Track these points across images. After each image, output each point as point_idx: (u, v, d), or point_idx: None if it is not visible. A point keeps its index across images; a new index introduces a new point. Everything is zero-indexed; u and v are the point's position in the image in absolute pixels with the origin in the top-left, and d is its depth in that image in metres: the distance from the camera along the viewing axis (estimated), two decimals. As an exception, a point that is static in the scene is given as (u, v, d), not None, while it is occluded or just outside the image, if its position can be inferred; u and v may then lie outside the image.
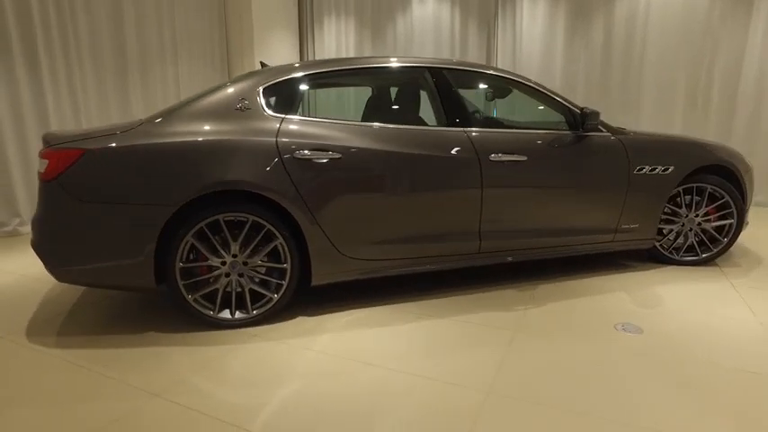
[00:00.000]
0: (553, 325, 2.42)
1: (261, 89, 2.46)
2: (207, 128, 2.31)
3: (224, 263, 2.34)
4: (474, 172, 2.62)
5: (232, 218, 2.31)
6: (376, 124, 2.56)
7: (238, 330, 2.37)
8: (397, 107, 2.93)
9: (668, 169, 3.04)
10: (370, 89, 3.04)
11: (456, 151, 2.60)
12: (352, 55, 6.98)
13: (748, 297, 2.76)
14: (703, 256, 3.28)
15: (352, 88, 3.03)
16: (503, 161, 2.67)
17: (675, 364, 2.05)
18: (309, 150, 2.36)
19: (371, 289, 2.85)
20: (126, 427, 1.66)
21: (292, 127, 2.40)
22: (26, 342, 2.28)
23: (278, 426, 1.66)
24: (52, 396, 1.84)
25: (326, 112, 2.82)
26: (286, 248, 2.39)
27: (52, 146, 2.22)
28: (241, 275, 2.38)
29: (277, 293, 2.43)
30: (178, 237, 2.23)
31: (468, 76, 2.92)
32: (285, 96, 2.50)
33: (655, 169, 3.02)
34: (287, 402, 1.80)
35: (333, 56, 7.09)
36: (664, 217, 3.22)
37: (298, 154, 2.34)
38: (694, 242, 3.29)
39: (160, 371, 2.02)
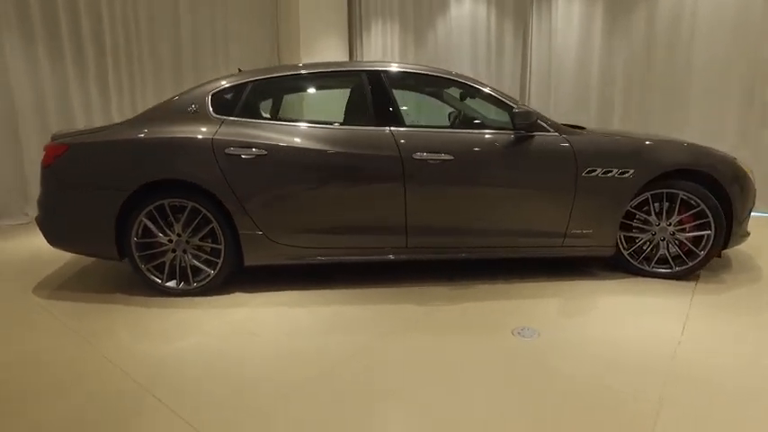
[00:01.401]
0: (454, 323, 2.49)
1: (211, 94, 2.87)
2: (160, 128, 2.78)
3: (170, 240, 2.80)
4: (396, 169, 2.76)
5: (177, 203, 2.75)
6: (304, 124, 2.84)
7: (180, 298, 2.81)
8: (332, 109, 3.15)
9: (626, 172, 2.86)
10: (318, 93, 3.30)
11: (378, 149, 2.77)
12: (396, 58, 7.23)
13: (696, 317, 2.52)
14: (677, 269, 3.01)
15: (312, 92, 3.30)
16: (426, 159, 2.77)
17: (543, 372, 2.03)
18: (238, 147, 2.72)
19: (320, 275, 3.10)
20: (45, 355, 2.16)
21: (229, 127, 2.77)
22: (28, 293, 2.95)
23: (158, 373, 2.04)
24: (12, 328, 2.43)
25: (283, 113, 3.11)
26: (219, 232, 2.77)
27: (52, 141, 2.85)
28: (185, 252, 2.82)
29: (213, 270, 2.82)
30: (132, 217, 2.73)
31: (406, 78, 3.05)
32: (231, 101, 2.89)
33: (609, 172, 2.86)
34: (179, 354, 2.17)
35: (380, 59, 7.42)
36: (636, 224, 3.02)
37: (228, 150, 2.71)
38: (667, 254, 3.03)
39: (99, 321, 2.52)
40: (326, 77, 3.00)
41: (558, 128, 2.92)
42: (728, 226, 2.95)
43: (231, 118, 2.82)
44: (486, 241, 2.93)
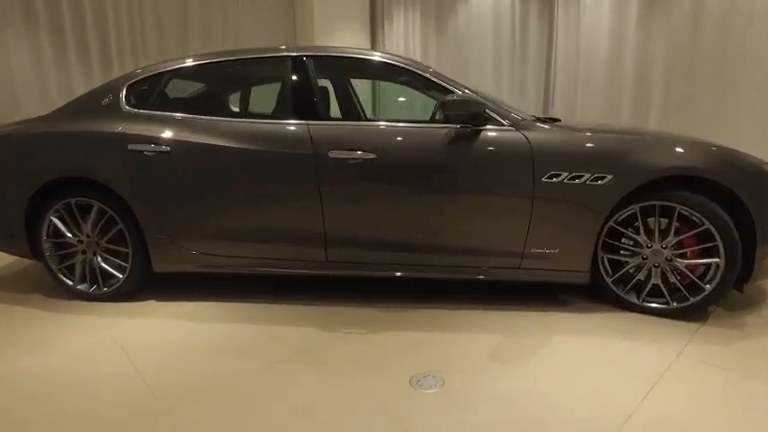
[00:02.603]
0: (349, 358, 2.06)
1: (126, 85, 2.65)
2: (72, 121, 2.61)
3: (80, 241, 2.63)
4: (309, 169, 2.36)
5: (84, 202, 2.57)
6: (216, 118, 2.52)
7: (86, 303, 2.62)
8: (259, 100, 2.80)
9: (603, 178, 2.23)
10: (242, 82, 2.95)
11: (289, 145, 2.38)
12: (418, 47, 6.75)
13: (676, 376, 1.87)
14: (674, 305, 2.31)
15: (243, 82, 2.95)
16: (344, 158, 2.34)
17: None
18: (141, 143, 2.47)
19: (251, 284, 2.77)
20: None
21: (138, 121, 2.54)
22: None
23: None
24: None
25: (200, 106, 2.75)
26: (126, 234, 2.55)
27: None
28: (95, 255, 2.63)
29: (122, 275, 2.61)
30: (41, 215, 2.59)
31: (335, 63, 2.62)
32: (146, 92, 2.65)
33: (579, 177, 2.25)
34: (22, 371, 1.97)
35: (401, 50, 6.98)
36: (624, 245, 2.37)
37: (131, 146, 2.47)
38: (661, 285, 2.34)
39: (3, 323, 2.41)
40: (249, 65, 2.66)
41: (514, 121, 2.35)
42: (750, 253, 2.21)
43: (142, 111, 2.59)
44: (419, 258, 2.44)
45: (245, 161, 2.41)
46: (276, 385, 1.84)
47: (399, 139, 2.36)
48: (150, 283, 2.72)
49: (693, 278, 2.28)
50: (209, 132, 2.46)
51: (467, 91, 2.39)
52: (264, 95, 2.71)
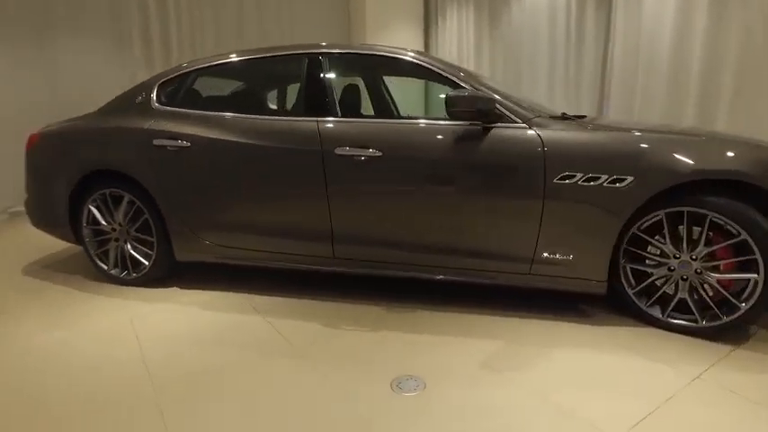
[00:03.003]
0: (339, 356, 2.05)
1: (158, 84, 2.82)
2: (110, 118, 2.82)
3: (114, 229, 2.83)
4: (317, 166, 2.38)
5: (117, 193, 2.77)
6: (233, 114, 2.60)
7: (117, 287, 2.83)
8: (269, 97, 2.84)
9: (623, 180, 2.05)
10: (261, 80, 2.99)
11: (299, 142, 2.41)
12: (471, 44, 6.59)
13: (683, 401, 1.69)
14: (704, 324, 2.08)
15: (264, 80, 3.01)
16: (350, 155, 2.33)
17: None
18: (165, 139, 2.61)
19: (268, 277, 2.84)
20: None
21: (165, 118, 2.68)
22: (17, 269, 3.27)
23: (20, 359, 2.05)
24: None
25: (222, 103, 2.84)
26: (152, 224, 2.71)
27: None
28: (125, 242, 2.83)
29: (148, 262, 2.78)
30: (82, 204, 2.82)
31: (350, 60, 2.61)
32: (175, 90, 2.79)
33: (596, 179, 2.08)
34: (43, 343, 2.17)
35: (454, 47, 6.85)
36: (651, 254, 2.17)
37: (156, 141, 2.62)
38: (689, 300, 2.11)
39: (37, 299, 2.66)
40: (267, 63, 2.71)
41: (526, 118, 2.22)
42: None
43: (170, 108, 2.73)
44: (425, 259, 2.37)
45: (258, 157, 2.48)
46: (263, 379, 1.88)
47: (407, 136, 2.31)
48: (177, 271, 2.87)
49: (726, 295, 2.03)
50: (226, 128, 2.56)
51: (479, 86, 2.30)
52: (283, 93, 2.76)
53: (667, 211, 2.07)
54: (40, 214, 3.01)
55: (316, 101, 2.49)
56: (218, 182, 2.57)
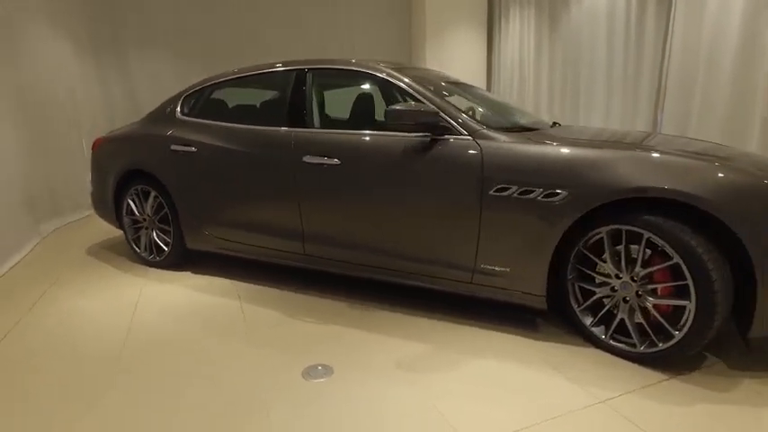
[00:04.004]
0: (278, 339, 2.30)
1: (183, 96, 3.30)
2: (148, 126, 3.36)
3: (144, 219, 3.37)
4: (289, 172, 2.64)
5: (147, 189, 3.30)
6: (228, 124, 2.97)
7: (144, 268, 3.37)
8: (261, 108, 3.12)
9: (557, 195, 2.02)
10: (261, 93, 3.27)
11: (276, 150, 2.69)
12: (532, 47, 6.42)
13: (582, 418, 1.66)
14: (641, 349, 1.97)
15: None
16: (315, 163, 2.56)
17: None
18: (179, 145, 3.06)
19: (261, 269, 3.19)
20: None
21: (183, 127, 3.14)
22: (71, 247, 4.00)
23: (28, 323, 2.62)
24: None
25: (228, 114, 3.19)
26: (170, 216, 3.20)
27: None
28: (152, 230, 3.35)
29: (167, 248, 3.28)
30: (121, 198, 3.41)
31: (330, 75, 2.81)
32: (194, 102, 3.24)
33: (530, 192, 2.07)
34: (65, 307, 2.72)
35: (516, 49, 6.71)
36: (599, 273, 2.11)
37: (173, 146, 3.09)
38: (627, 322, 2.01)
39: (83, 274, 3.28)
40: (264, 77, 3.01)
41: (472, 130, 2.26)
42: (751, 297, 1.77)
43: (188, 118, 3.19)
44: (381, 261, 2.51)
45: (246, 162, 2.81)
46: (200, 355, 2.19)
47: (361, 146, 2.48)
48: (195, 258, 3.33)
49: (661, 320, 1.91)
50: (222, 136, 2.93)
51: (437, 100, 2.37)
52: (273, 105, 3.05)
53: (608, 228, 1.99)
54: (98, 204, 3.67)
55: (295, 112, 2.76)
56: (215, 182, 2.96)
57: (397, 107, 2.24)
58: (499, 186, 2.13)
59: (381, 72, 2.58)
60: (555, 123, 3.05)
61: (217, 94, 3.23)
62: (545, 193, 2.04)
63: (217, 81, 3.19)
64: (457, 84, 3.07)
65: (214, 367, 2.07)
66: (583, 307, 2.14)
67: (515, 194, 2.10)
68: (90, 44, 5.58)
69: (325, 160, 2.53)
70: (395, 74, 2.55)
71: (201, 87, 3.25)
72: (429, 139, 2.31)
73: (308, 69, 2.81)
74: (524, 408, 1.73)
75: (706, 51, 4.25)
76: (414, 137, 2.35)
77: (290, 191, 2.67)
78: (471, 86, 3.22)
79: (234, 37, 6.32)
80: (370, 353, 2.15)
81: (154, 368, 2.07)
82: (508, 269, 2.19)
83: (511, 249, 2.16)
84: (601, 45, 5.36)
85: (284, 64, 2.95)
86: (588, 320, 2.14)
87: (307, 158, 2.59)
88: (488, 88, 7.30)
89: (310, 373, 2.00)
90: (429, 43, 6.75)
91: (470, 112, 2.86)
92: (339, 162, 2.50)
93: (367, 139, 2.49)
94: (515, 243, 2.14)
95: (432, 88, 2.48)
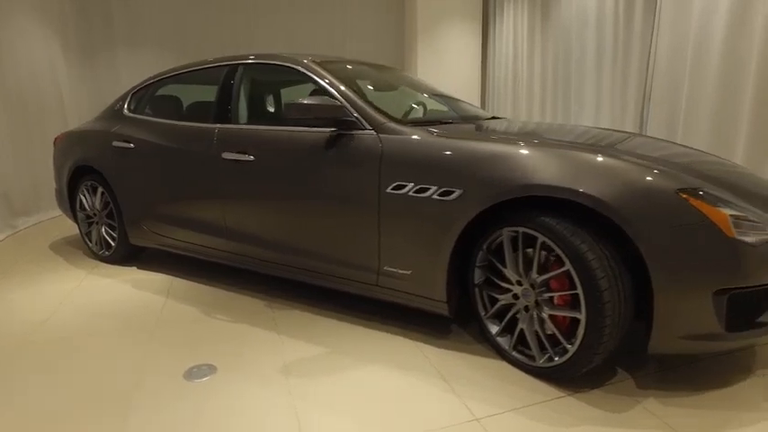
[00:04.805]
0: (178, 335, 2.25)
1: (131, 93, 3.30)
2: (97, 122, 3.38)
3: (94, 214, 3.40)
4: (212, 168, 2.59)
5: (95, 185, 3.32)
6: (162, 120, 2.94)
7: (95, 262, 3.40)
8: (196, 104, 3.06)
9: (451, 193, 1.88)
10: (200, 89, 3.20)
11: (201, 146, 2.64)
12: (525, 42, 6.18)
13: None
14: (540, 363, 1.81)
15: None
16: (233, 160, 2.49)
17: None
18: (120, 141, 3.07)
19: (202, 265, 3.18)
20: None
21: (126, 123, 3.14)
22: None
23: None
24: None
25: (166, 110, 3.12)
26: (115, 212, 3.21)
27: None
28: (101, 225, 3.38)
29: (114, 243, 3.29)
30: (75, 193, 3.45)
31: (256, 70, 2.73)
32: (140, 99, 3.24)
33: (425, 190, 1.94)
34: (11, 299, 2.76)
35: (510, 44, 6.48)
36: (500, 280, 1.95)
37: (114, 143, 3.09)
38: (526, 332, 1.84)
39: (37, 266, 3.34)
40: (201, 73, 2.96)
41: (377, 125, 2.13)
42: (647, 309, 1.60)
43: (132, 115, 3.19)
44: (294, 261, 2.42)
45: (175, 158, 2.78)
46: (100, 350, 2.16)
47: (274, 142, 2.39)
48: (145, 254, 3.33)
49: (555, 332, 1.74)
50: (156, 132, 2.91)
51: (349, 95, 2.26)
52: (206, 101, 2.99)
53: (508, 231, 1.83)
54: (58, 200, 3.74)
55: (221, 108, 2.70)
56: (150, 178, 2.94)
57: (296, 101, 2.13)
58: (396, 184, 2.00)
59: (299, 65, 2.48)
60: (494, 117, 2.88)
61: (161, 91, 3.22)
62: (440, 191, 1.90)
63: (161, 77, 3.18)
64: (401, 78, 2.96)
65: (96, 364, 2.03)
66: (489, 315, 1.99)
67: (411, 192, 1.97)
68: (78, 42, 5.73)
69: (241, 156, 2.46)
70: (313, 67, 2.45)
71: (148, 84, 3.24)
72: (336, 134, 2.21)
73: (238, 65, 2.75)
74: (384, 419, 1.61)
75: (693, 47, 3.95)
76: (321, 132, 2.25)
77: (212, 188, 2.61)
78: (419, 82, 3.11)
79: (225, 34, 6.36)
80: (263, 354, 2.06)
81: (24, 365, 2.04)
82: (409, 272, 2.06)
83: (410, 251, 2.03)
84: (590, 41, 5.10)
85: (219, 60, 2.90)
86: (495, 329, 1.98)
87: (225, 155, 2.53)
88: (483, 84, 7.08)
89: (192, 372, 1.94)
90: (421, 37, 6.60)
91: (413, 109, 2.75)
92: (253, 158, 2.42)
93: (279, 134, 2.40)
94: (414, 245, 2.01)
95: (349, 83, 2.37)
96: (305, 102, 2.12)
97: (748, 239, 1.57)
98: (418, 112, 2.95)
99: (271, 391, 1.79)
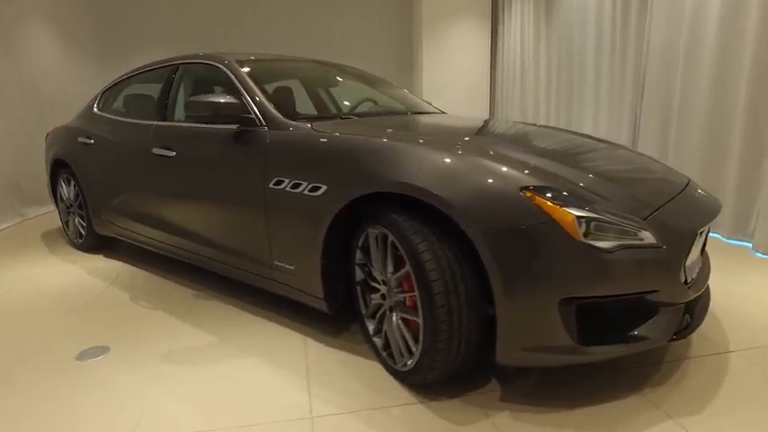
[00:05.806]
0: (101, 318, 2.37)
1: (102, 91, 3.51)
2: (75, 118, 3.63)
3: (71, 205, 3.65)
4: (146, 163, 2.72)
5: (69, 177, 3.57)
6: (114, 117, 3.11)
7: (69, 250, 3.66)
8: (144, 102, 3.17)
9: (318, 189, 1.86)
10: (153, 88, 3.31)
11: (140, 142, 2.77)
12: (531, 39, 5.95)
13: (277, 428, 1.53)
14: (398, 366, 1.76)
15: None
16: (159, 155, 2.60)
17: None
18: (83, 137, 3.28)
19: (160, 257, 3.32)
20: None
21: (93, 120, 3.35)
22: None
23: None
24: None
25: (126, 108, 3.23)
26: (84, 203, 3.43)
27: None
28: (74, 215, 3.62)
29: (84, 232, 3.53)
30: (55, 185, 3.72)
31: (191, 68, 2.82)
32: (108, 97, 3.44)
33: (298, 186, 1.93)
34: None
35: (518, 42, 6.26)
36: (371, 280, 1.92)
37: (79, 139, 3.31)
38: (388, 333, 1.79)
39: (23, 254, 3.64)
40: (154, 73, 3.09)
41: (272, 120, 2.14)
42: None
43: (99, 112, 3.39)
44: (208, 253, 2.49)
45: (123, 153, 2.94)
46: (25, 329, 2.33)
47: (191, 138, 2.47)
48: (115, 243, 3.55)
49: (405, 334, 1.68)
50: (111, 129, 3.10)
51: (252, 89, 2.29)
52: (153, 98, 3.11)
53: (371, 229, 1.79)
54: (49, 191, 4.04)
55: (160, 105, 2.82)
56: (106, 172, 3.12)
57: (194, 98, 2.19)
58: (276, 179, 2.01)
59: (220, 64, 2.54)
60: (442, 113, 2.81)
61: (126, 90, 3.40)
62: (309, 187, 1.89)
63: (126, 77, 3.36)
64: (348, 74, 3.00)
65: (13, 339, 2.18)
66: (368, 314, 1.95)
67: (288, 188, 1.97)
68: (92, 46, 6.19)
69: (166, 152, 2.57)
70: (232, 66, 2.48)
71: (115, 83, 3.44)
72: (240, 130, 2.24)
73: (179, 64, 2.86)
74: (222, 409, 1.63)
75: (686, 47, 3.63)
76: (229, 129, 2.29)
77: (150, 181, 2.75)
78: (376, 78, 3.11)
79: (234, 36, 6.59)
80: (157, 340, 2.14)
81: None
82: (293, 267, 2.06)
83: (292, 246, 2.03)
84: (589, 37, 4.84)
85: (168, 59, 3.03)
86: (371, 328, 1.94)
87: (154, 150, 2.64)
88: (492, 80, 6.86)
89: (86, 353, 2.06)
90: (426, 32, 6.51)
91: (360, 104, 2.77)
92: (174, 154, 2.52)
93: (196, 131, 2.48)
94: (296, 240, 2.01)
95: (262, 81, 2.39)
96: (204, 99, 2.16)
97: (600, 244, 1.44)
98: (365, 107, 2.94)
99: (137, 376, 1.86)
